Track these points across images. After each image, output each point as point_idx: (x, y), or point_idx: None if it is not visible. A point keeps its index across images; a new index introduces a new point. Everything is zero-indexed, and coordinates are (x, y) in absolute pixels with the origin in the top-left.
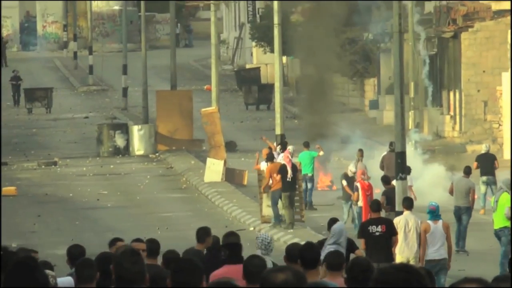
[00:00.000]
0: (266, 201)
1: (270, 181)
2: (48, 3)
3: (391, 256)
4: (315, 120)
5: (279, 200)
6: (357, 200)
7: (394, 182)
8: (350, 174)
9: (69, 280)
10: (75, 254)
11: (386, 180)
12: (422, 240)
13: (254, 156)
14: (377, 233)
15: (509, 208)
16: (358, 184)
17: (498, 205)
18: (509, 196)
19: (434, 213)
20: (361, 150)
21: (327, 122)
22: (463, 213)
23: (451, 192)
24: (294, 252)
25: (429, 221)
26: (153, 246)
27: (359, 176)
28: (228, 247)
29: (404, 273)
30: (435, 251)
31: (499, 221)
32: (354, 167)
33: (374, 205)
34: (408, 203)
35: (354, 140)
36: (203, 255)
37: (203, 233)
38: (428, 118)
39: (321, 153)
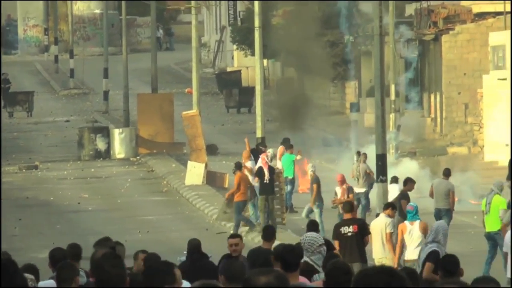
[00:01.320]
0: (224, 208)
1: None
2: (29, 7)
3: (364, 256)
4: (296, 123)
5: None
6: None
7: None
8: (309, 174)
9: (51, 283)
10: (57, 258)
11: (446, 173)
12: (398, 240)
13: (235, 159)
14: (349, 234)
15: (504, 210)
16: (337, 189)
17: (492, 207)
18: (501, 198)
19: (412, 214)
20: (365, 154)
21: (308, 124)
22: (443, 215)
23: (431, 194)
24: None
25: (406, 222)
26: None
27: (341, 181)
28: None
29: (385, 275)
30: (412, 252)
31: (494, 224)
32: (312, 167)
33: (346, 206)
34: (385, 206)
35: (336, 143)
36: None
37: (272, 231)
38: (409, 121)
39: (298, 157)
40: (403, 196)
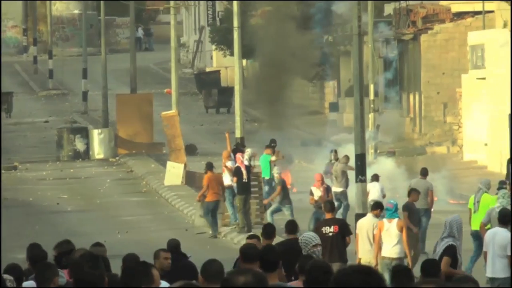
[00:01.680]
0: (200, 211)
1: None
2: (8, 8)
3: (344, 256)
4: (275, 123)
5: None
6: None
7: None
8: (275, 177)
9: (31, 283)
10: (37, 257)
11: (423, 173)
12: (376, 238)
13: (214, 159)
14: (330, 234)
15: (491, 209)
16: (313, 189)
17: (481, 206)
18: (491, 196)
19: (391, 211)
20: (346, 156)
21: (287, 124)
22: (422, 215)
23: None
24: (250, 252)
25: (384, 220)
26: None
27: (320, 181)
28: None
29: (363, 275)
30: (389, 249)
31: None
32: (278, 169)
33: (327, 206)
34: (373, 206)
35: (314, 143)
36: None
37: (272, 230)
38: (388, 120)
39: (273, 158)
40: (406, 208)
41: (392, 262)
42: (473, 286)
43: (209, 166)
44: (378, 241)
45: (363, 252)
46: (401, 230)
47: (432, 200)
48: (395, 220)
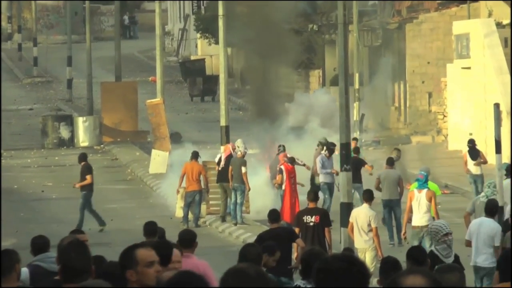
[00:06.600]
0: (180, 203)
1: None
2: None
3: (324, 247)
4: (260, 111)
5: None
6: (281, 183)
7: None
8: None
9: (23, 271)
10: (39, 245)
11: (390, 162)
12: (407, 207)
13: (199, 148)
14: (311, 223)
15: (476, 197)
16: (282, 167)
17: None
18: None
19: (421, 182)
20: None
21: (272, 113)
22: (395, 205)
23: (377, 187)
24: (186, 238)
25: (414, 190)
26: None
27: (282, 159)
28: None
29: (345, 262)
30: (419, 218)
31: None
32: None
33: (311, 195)
34: (366, 196)
35: (300, 131)
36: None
37: (278, 214)
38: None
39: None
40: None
41: (422, 230)
42: (458, 274)
43: (194, 155)
44: (408, 211)
45: (358, 242)
46: (430, 200)
47: (403, 189)
48: (425, 191)
